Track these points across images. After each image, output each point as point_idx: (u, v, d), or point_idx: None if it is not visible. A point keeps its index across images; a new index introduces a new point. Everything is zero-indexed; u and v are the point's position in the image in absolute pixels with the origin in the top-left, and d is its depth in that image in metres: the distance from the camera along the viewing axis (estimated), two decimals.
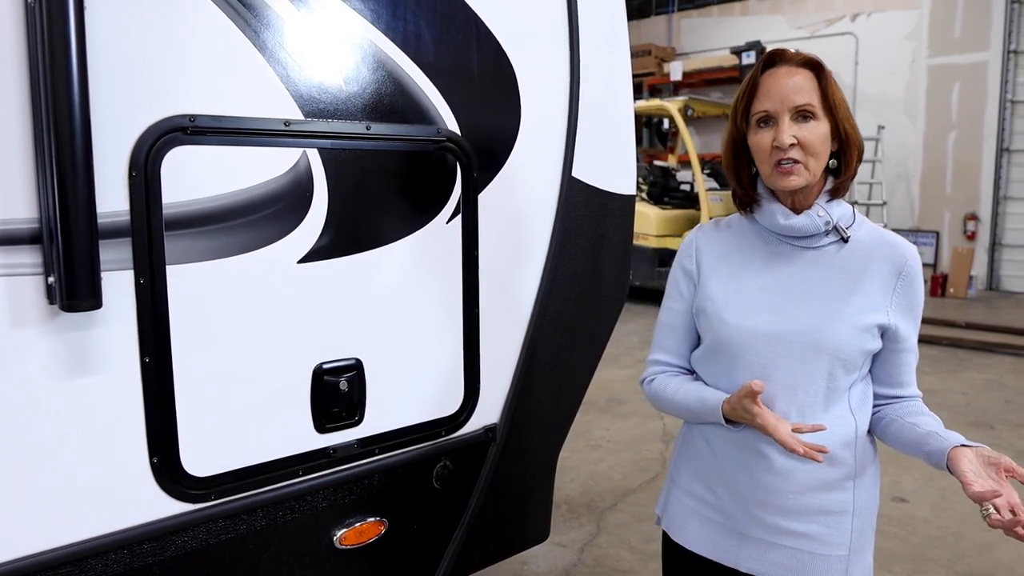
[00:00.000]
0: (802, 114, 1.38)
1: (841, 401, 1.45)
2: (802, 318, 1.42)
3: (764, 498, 1.45)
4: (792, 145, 1.37)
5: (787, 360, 1.41)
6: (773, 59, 1.43)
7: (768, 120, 1.40)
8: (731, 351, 1.46)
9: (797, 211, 1.45)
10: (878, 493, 1.54)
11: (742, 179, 1.51)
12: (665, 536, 1.65)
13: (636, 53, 12.48)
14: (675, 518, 1.61)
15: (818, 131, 1.39)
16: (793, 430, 1.35)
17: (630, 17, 2.37)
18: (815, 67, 1.41)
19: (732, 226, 1.58)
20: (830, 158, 1.44)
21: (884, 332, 1.44)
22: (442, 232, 1.86)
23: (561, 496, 3.86)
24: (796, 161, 1.38)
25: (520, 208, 2.01)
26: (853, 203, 9.21)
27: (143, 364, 1.44)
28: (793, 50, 1.46)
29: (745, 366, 1.45)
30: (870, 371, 1.51)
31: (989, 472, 1.28)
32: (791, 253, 1.47)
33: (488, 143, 1.92)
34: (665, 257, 8.74)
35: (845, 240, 1.44)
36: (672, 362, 1.61)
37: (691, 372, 1.60)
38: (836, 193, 1.46)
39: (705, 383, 1.54)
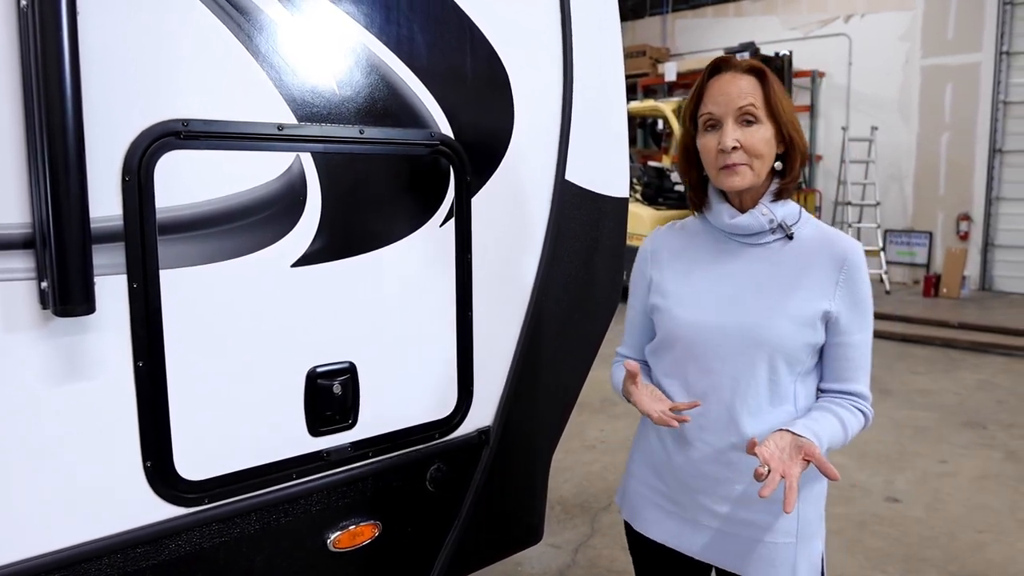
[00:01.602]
0: (745, 118, 1.44)
1: (786, 395, 1.50)
2: (745, 313, 1.48)
3: (710, 487, 1.52)
4: (735, 148, 1.43)
5: (731, 353, 1.48)
6: (719, 66, 1.49)
7: (714, 124, 1.47)
8: (680, 344, 1.54)
9: (744, 211, 1.52)
10: (825, 483, 1.57)
11: (693, 180, 1.59)
12: (627, 524, 1.73)
13: (630, 54, 12.49)
14: (633, 507, 1.69)
15: (761, 134, 1.44)
16: (671, 408, 1.45)
17: (624, 18, 2.38)
18: (759, 73, 1.47)
19: (686, 227, 1.66)
20: (775, 160, 1.50)
21: (827, 323, 1.47)
22: (436, 235, 1.86)
23: (555, 497, 3.87)
24: (740, 163, 1.44)
25: (513, 211, 2.02)
26: (847, 203, 9.24)
27: (136, 368, 1.44)
28: (739, 58, 1.53)
29: (692, 359, 1.52)
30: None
31: (793, 453, 1.32)
32: (738, 250, 1.54)
33: (481, 146, 1.92)
34: None
35: (790, 237, 1.50)
36: (630, 355, 1.73)
37: (646, 364, 1.69)
38: (782, 194, 1.52)
39: (657, 374, 1.63)
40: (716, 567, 1.58)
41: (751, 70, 1.47)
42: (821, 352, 1.52)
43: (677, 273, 1.59)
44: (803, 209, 1.55)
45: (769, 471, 1.25)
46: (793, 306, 1.45)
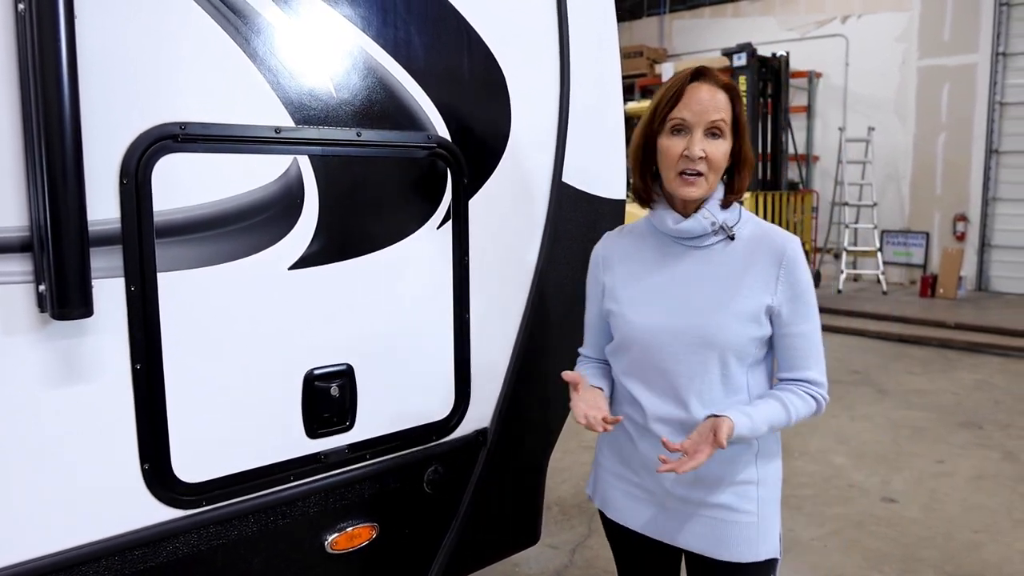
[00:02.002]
0: (713, 131, 1.51)
1: (739, 386, 1.56)
2: (692, 313, 1.55)
3: (678, 475, 1.55)
4: (701, 158, 1.49)
5: (685, 352, 1.54)
6: (701, 74, 1.54)
7: (682, 129, 1.52)
8: (636, 347, 1.60)
9: (687, 215, 1.57)
10: (780, 466, 1.67)
11: (645, 176, 1.63)
12: (602, 514, 1.78)
13: (627, 54, 12.49)
14: (606, 497, 1.74)
15: (723, 148, 1.52)
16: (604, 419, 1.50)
17: (622, 18, 2.39)
18: (732, 91, 1.55)
19: (634, 230, 1.72)
20: (724, 172, 1.58)
21: (772, 316, 1.55)
22: (433, 237, 1.86)
23: (552, 498, 3.87)
24: (700, 173, 1.51)
25: (511, 213, 2.02)
26: (844, 204, 9.24)
27: (134, 371, 1.45)
28: (720, 73, 1.58)
29: (649, 359, 1.59)
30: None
31: (708, 434, 1.44)
32: (683, 253, 1.60)
33: (478, 149, 1.93)
34: None
35: (731, 238, 1.56)
36: (591, 355, 1.79)
37: (607, 363, 1.75)
38: (728, 204, 1.59)
39: (617, 373, 1.69)
40: (685, 550, 1.65)
41: (726, 87, 1.54)
42: (772, 343, 1.60)
43: (627, 278, 1.65)
44: (743, 208, 1.63)
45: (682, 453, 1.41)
46: (738, 304, 1.52)
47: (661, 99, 1.55)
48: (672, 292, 1.58)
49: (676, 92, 1.52)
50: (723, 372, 1.54)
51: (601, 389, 1.64)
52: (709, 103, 1.50)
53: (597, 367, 1.74)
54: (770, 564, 1.61)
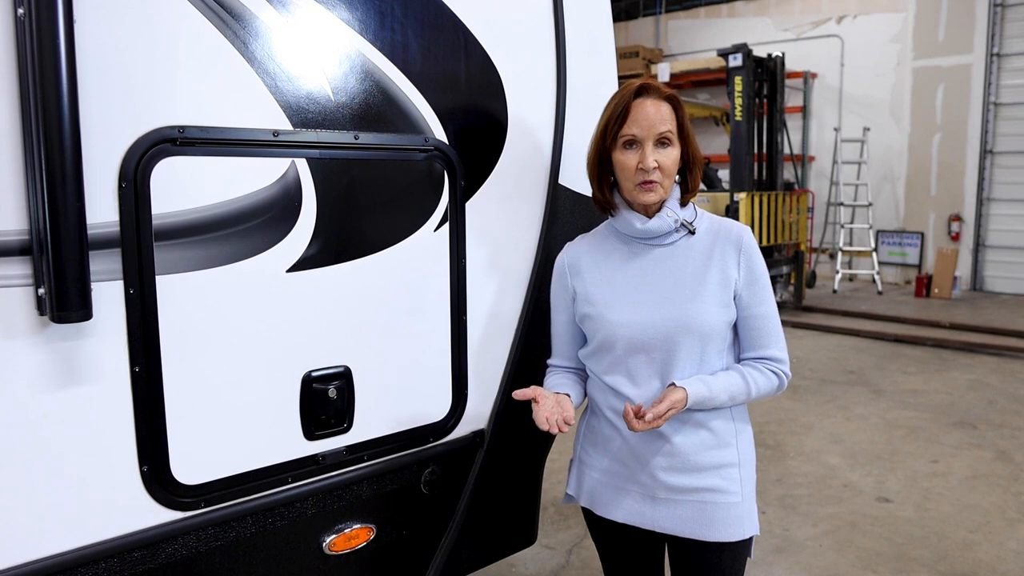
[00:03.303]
0: (662, 141, 1.62)
1: (714, 368, 1.68)
2: (670, 304, 1.65)
3: (668, 463, 1.68)
4: (655, 168, 1.61)
5: (665, 342, 1.64)
6: (644, 90, 1.64)
7: (633, 143, 1.63)
8: (620, 344, 1.68)
9: (649, 216, 1.68)
10: (754, 446, 1.78)
11: (604, 187, 1.73)
12: (587, 512, 1.83)
13: (623, 54, 12.52)
14: (592, 494, 1.79)
15: (673, 155, 1.64)
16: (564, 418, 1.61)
17: (617, 18, 2.40)
18: (675, 101, 1.66)
19: (596, 235, 1.82)
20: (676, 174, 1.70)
21: (737, 300, 1.67)
22: (430, 240, 1.87)
23: (549, 498, 3.88)
24: (655, 181, 1.62)
25: (507, 215, 2.03)
26: (839, 204, 9.26)
27: (133, 374, 1.45)
28: (658, 83, 1.69)
29: (632, 354, 1.67)
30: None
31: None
32: (648, 251, 1.71)
33: (475, 151, 1.94)
34: None
35: (692, 232, 1.69)
36: (561, 364, 1.85)
37: (579, 369, 1.84)
38: (685, 202, 1.71)
39: (598, 373, 1.76)
40: (671, 536, 1.72)
41: (669, 98, 1.65)
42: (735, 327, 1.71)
43: (599, 281, 1.73)
44: (695, 205, 1.75)
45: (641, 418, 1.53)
46: (709, 291, 1.64)
47: (610, 117, 1.65)
48: (646, 288, 1.68)
49: (623, 110, 1.63)
50: (702, 357, 1.65)
51: (568, 395, 1.71)
52: (655, 116, 1.61)
53: (566, 375, 1.82)
54: (750, 540, 1.72)
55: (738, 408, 1.73)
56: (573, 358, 1.84)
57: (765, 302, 1.69)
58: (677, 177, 1.70)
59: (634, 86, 1.65)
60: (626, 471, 1.72)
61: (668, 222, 1.67)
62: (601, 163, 1.71)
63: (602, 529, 1.82)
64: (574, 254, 1.81)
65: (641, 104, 1.63)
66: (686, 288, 1.65)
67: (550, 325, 1.87)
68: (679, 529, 1.68)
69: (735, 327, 1.71)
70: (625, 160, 1.64)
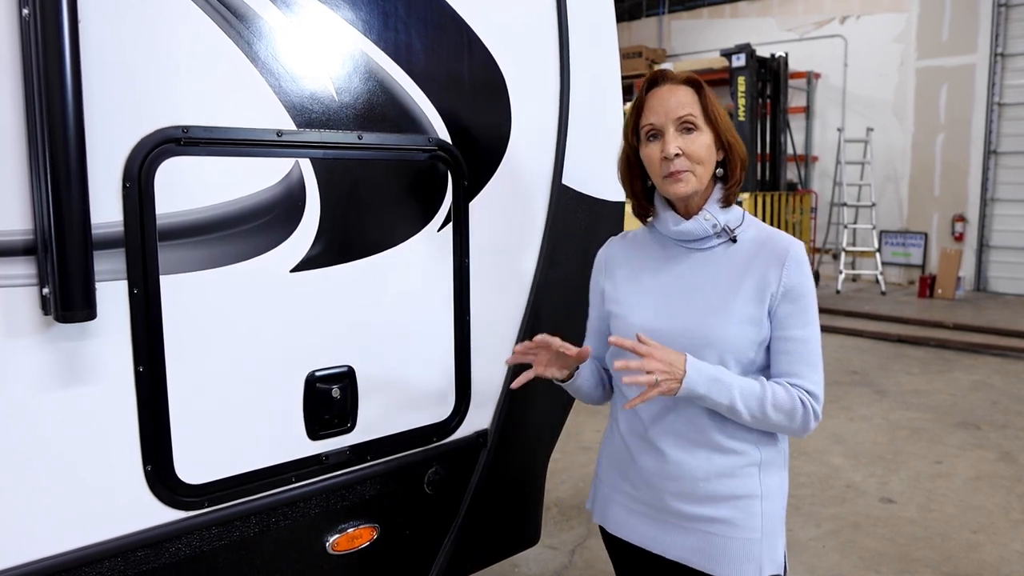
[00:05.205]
0: (685, 126, 1.50)
1: None
2: (692, 317, 1.53)
3: (674, 486, 1.56)
4: (678, 155, 1.48)
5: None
6: (657, 79, 1.55)
7: (656, 134, 1.52)
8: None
9: (688, 217, 1.56)
10: (786, 478, 1.63)
11: (636, 191, 1.64)
12: (601, 528, 1.75)
13: (627, 55, 12.50)
14: (604, 511, 1.72)
15: (701, 141, 1.51)
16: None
17: (621, 19, 2.40)
18: (695, 84, 1.54)
19: (637, 236, 1.71)
20: (717, 167, 1.55)
21: (772, 318, 1.51)
22: (434, 240, 1.87)
23: (552, 498, 3.88)
24: (683, 169, 1.49)
25: (511, 215, 2.03)
26: (842, 204, 9.23)
27: (137, 374, 1.45)
28: (674, 72, 1.58)
29: None
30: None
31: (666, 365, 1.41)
32: (684, 256, 1.59)
33: (479, 151, 1.94)
34: None
35: (733, 240, 1.54)
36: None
37: (605, 368, 1.75)
38: (727, 201, 1.57)
39: (617, 381, 1.67)
40: (687, 567, 1.59)
41: (687, 82, 1.54)
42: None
43: (628, 281, 1.65)
44: (747, 212, 1.61)
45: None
46: (737, 306, 1.50)
47: (629, 113, 1.58)
48: (673, 294, 1.57)
49: (639, 102, 1.55)
50: None
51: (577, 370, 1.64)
52: (672, 101, 1.51)
53: (588, 365, 1.70)
54: None
55: (767, 437, 1.57)
56: (600, 356, 1.75)
57: (804, 326, 1.51)
58: (719, 171, 1.56)
59: (648, 76, 1.57)
60: (637, 492, 1.63)
61: (705, 226, 1.54)
62: (629, 165, 1.62)
63: (615, 547, 1.73)
64: (610, 251, 1.73)
65: (657, 92, 1.53)
66: (713, 299, 1.52)
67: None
68: (687, 558, 1.57)
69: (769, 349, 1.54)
70: (650, 153, 1.53)
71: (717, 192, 1.57)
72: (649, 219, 1.65)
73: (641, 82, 1.58)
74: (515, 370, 2.09)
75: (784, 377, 1.51)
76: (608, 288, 1.69)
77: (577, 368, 1.64)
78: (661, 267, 1.61)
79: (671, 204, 1.59)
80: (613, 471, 1.70)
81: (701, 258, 1.57)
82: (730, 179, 1.57)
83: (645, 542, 1.63)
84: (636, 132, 1.56)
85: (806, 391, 1.49)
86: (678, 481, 1.55)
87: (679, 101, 1.51)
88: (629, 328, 1.58)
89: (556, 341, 1.57)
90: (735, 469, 1.54)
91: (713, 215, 1.55)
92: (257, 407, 1.63)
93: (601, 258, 1.75)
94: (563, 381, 1.65)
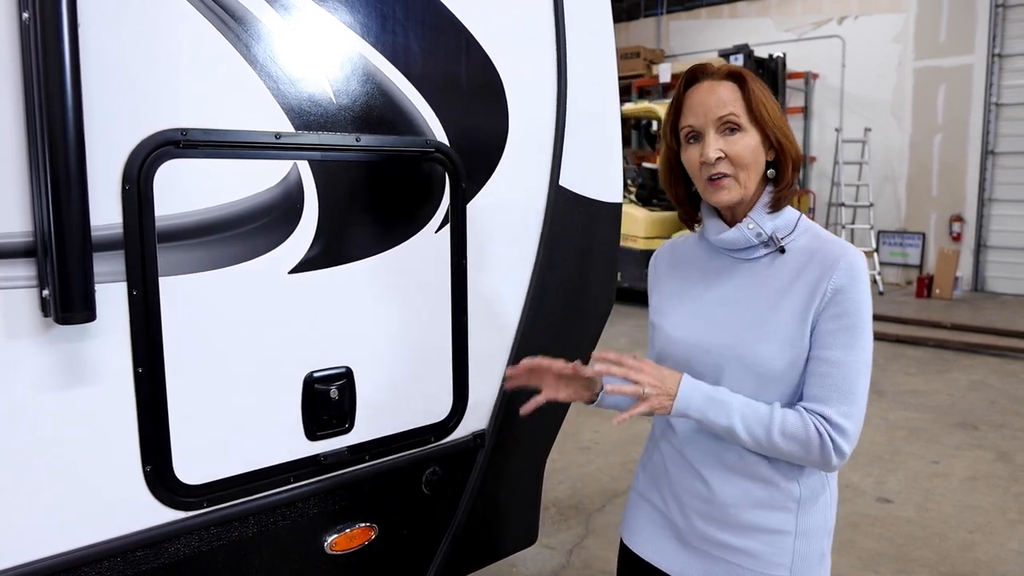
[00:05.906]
0: (727, 127, 1.36)
1: None
2: (728, 331, 1.41)
3: (705, 510, 1.46)
4: (719, 159, 1.35)
5: (717, 372, 1.41)
6: (696, 74, 1.41)
7: (696, 136, 1.39)
8: (671, 362, 1.47)
9: (733, 224, 1.44)
10: (831, 516, 1.50)
11: (680, 196, 1.52)
12: (621, 543, 1.65)
13: (625, 55, 12.51)
14: (630, 523, 1.63)
15: (745, 142, 1.36)
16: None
17: (618, 19, 2.40)
18: (738, 78, 1.38)
19: (688, 241, 1.60)
20: (767, 168, 1.41)
21: (812, 335, 1.36)
22: (431, 241, 1.88)
23: (549, 498, 3.89)
24: (726, 175, 1.36)
25: (508, 217, 2.04)
26: (840, 204, 9.22)
27: (136, 375, 1.46)
28: (718, 63, 1.45)
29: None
30: None
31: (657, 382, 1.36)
32: (731, 266, 1.46)
33: (476, 153, 1.94)
34: None
35: (782, 251, 1.41)
36: None
37: None
38: (777, 204, 1.42)
39: None
40: None
41: (730, 75, 1.39)
42: None
43: (672, 291, 1.55)
44: (803, 216, 1.45)
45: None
46: (778, 323, 1.36)
47: (667, 112, 1.46)
48: (713, 308, 1.45)
49: (677, 100, 1.42)
50: (757, 395, 1.38)
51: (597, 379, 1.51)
52: (711, 100, 1.36)
53: None
54: None
55: (812, 472, 1.43)
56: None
57: (847, 349, 1.32)
58: (771, 172, 1.41)
59: (686, 72, 1.42)
60: (663, 504, 1.54)
61: (748, 235, 1.40)
62: (671, 168, 1.49)
63: (629, 564, 1.61)
64: (661, 257, 1.63)
65: (696, 89, 1.39)
66: (752, 314, 1.39)
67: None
68: None
69: None
70: (689, 156, 1.40)
71: (765, 196, 1.42)
72: (697, 226, 1.54)
73: (679, 77, 1.44)
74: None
75: (810, 402, 1.35)
76: (654, 299, 1.59)
77: (601, 387, 1.51)
78: (705, 278, 1.49)
79: (717, 210, 1.46)
80: (647, 479, 1.61)
81: (746, 269, 1.44)
82: (781, 181, 1.41)
83: (665, 563, 1.52)
84: (675, 133, 1.44)
85: (825, 419, 1.32)
86: (709, 504, 1.45)
87: (720, 99, 1.36)
88: (666, 339, 1.50)
89: (544, 361, 1.50)
90: (772, 501, 1.42)
91: (758, 223, 1.40)
92: (255, 408, 1.64)
93: (653, 263, 1.64)
94: (589, 403, 1.55)
